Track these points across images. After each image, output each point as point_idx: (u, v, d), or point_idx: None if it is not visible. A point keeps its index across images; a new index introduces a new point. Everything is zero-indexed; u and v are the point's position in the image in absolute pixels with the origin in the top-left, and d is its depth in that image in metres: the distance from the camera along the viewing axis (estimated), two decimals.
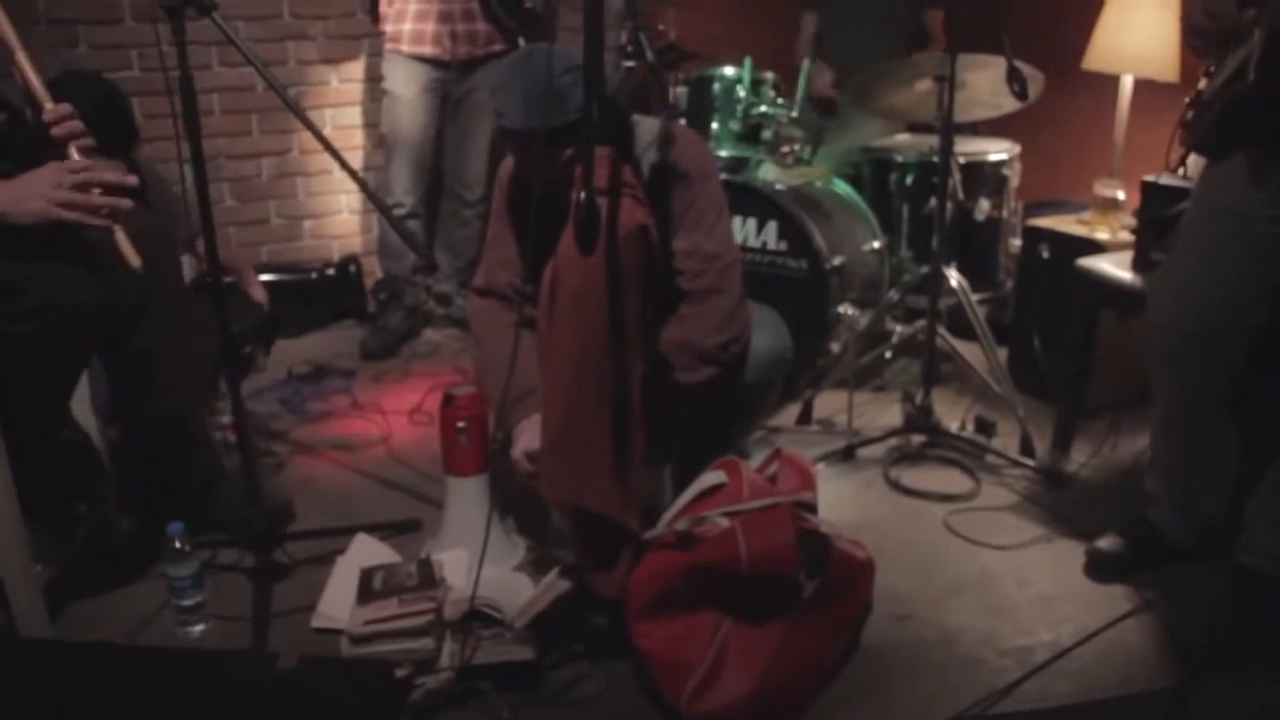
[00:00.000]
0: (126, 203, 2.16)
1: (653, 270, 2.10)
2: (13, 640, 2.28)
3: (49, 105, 2.18)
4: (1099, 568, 2.66)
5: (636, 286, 2.03)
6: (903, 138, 4.13)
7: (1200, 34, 2.30)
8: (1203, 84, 2.39)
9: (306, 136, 4.40)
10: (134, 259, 2.14)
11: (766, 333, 2.66)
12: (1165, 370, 2.56)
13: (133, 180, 2.26)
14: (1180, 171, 2.90)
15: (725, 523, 2.12)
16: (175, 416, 2.66)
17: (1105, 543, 2.68)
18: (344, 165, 2.41)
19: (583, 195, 1.76)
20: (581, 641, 2.26)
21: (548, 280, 2.12)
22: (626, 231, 1.98)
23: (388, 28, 4.02)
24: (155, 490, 2.70)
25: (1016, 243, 3.89)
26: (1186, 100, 2.44)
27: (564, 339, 2.10)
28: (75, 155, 2.18)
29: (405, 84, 4.04)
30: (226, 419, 3.18)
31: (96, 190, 2.15)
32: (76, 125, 2.18)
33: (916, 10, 4.25)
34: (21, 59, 2.16)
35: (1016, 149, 3.90)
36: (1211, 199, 2.44)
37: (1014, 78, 2.94)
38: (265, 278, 4.23)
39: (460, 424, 2.56)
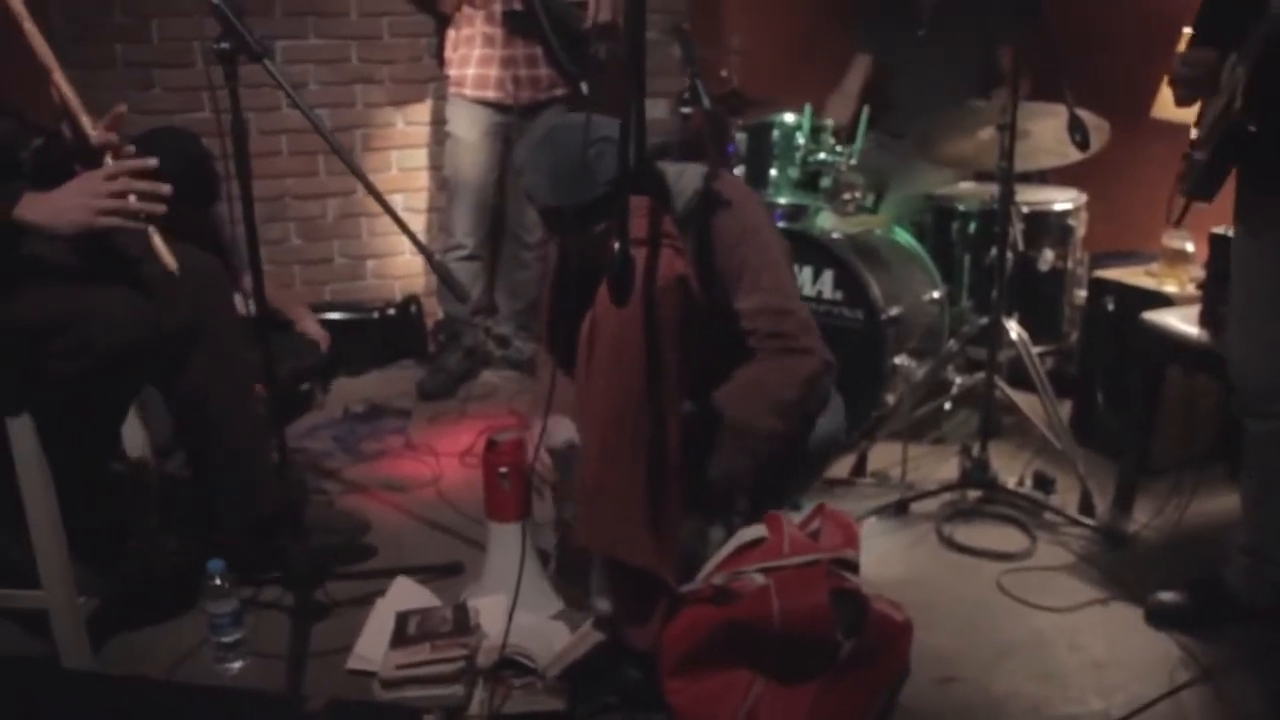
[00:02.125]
0: (161, 206, 2.16)
1: (693, 321, 2.08)
2: (56, 671, 2.31)
3: (85, 121, 2.18)
4: (1159, 619, 2.59)
5: (675, 337, 2.02)
6: (966, 186, 4.07)
7: (1183, 82, 2.37)
8: (1193, 134, 2.42)
9: (374, 178, 4.46)
10: (170, 262, 2.14)
11: (828, 414, 2.63)
12: (1250, 416, 2.50)
13: (153, 162, 2.25)
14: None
15: (761, 579, 2.09)
16: (239, 451, 2.66)
17: (1168, 595, 2.62)
18: (382, 203, 2.45)
19: (617, 246, 1.75)
20: (614, 694, 2.23)
21: (586, 330, 2.11)
22: (665, 282, 1.97)
23: (452, 72, 4.08)
24: (225, 523, 2.71)
25: (1082, 294, 3.81)
26: (1182, 155, 2.45)
27: (601, 390, 2.08)
28: (108, 160, 2.18)
29: (468, 128, 4.08)
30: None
31: (131, 196, 2.16)
32: (114, 138, 2.19)
33: (992, 46, 4.20)
34: (59, 78, 2.18)
35: (1083, 199, 3.82)
36: (1242, 243, 2.43)
37: (1075, 127, 2.89)
38: (328, 316, 4.29)
39: (502, 469, 2.55)
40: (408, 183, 4.58)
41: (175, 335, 2.42)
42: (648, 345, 1.97)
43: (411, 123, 4.55)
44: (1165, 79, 3.45)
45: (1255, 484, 2.57)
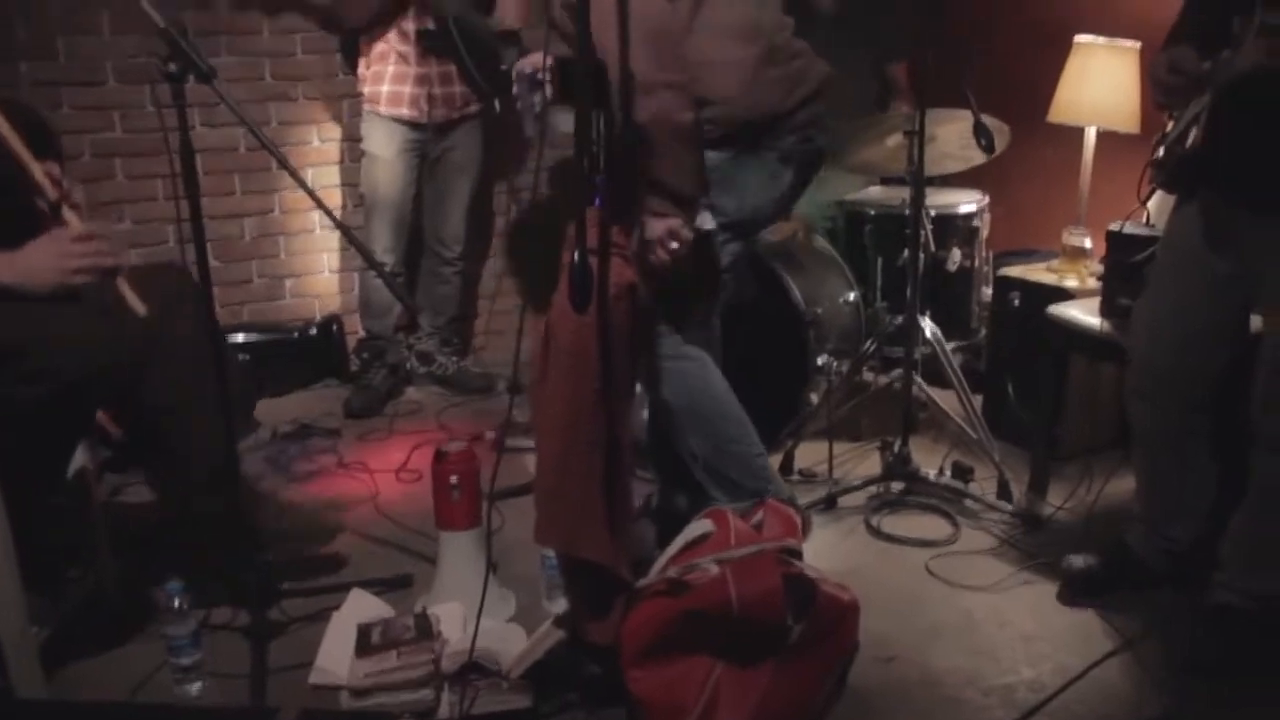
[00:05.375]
0: (127, 256, 2.22)
1: (640, 325, 2.17)
2: (10, 702, 2.30)
3: (37, 169, 2.21)
4: (1072, 584, 2.77)
5: (626, 341, 2.10)
6: (875, 190, 4.22)
7: (1168, 90, 2.41)
8: (1169, 125, 2.52)
9: (289, 196, 4.48)
10: (139, 307, 2.19)
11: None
12: (1140, 404, 2.68)
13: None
14: (1144, 218, 3.03)
15: (715, 569, 2.18)
16: (212, 462, 2.65)
17: (1079, 559, 2.80)
18: (344, 231, 2.50)
19: (576, 256, 1.83)
20: (576, 689, 2.30)
21: (542, 334, 2.19)
22: (617, 290, 2.05)
23: (366, 89, 4.10)
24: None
25: (988, 291, 3.99)
26: (1155, 139, 2.58)
27: (558, 392, 2.16)
28: (72, 219, 2.23)
29: (383, 144, 4.11)
30: None
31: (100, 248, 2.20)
32: (66, 188, 2.22)
33: (881, 63, 4.37)
34: (5, 130, 2.20)
35: (986, 200, 4.01)
36: (1177, 242, 2.57)
37: (980, 133, 3.05)
38: (246, 338, 4.29)
39: (453, 479, 2.61)
40: (323, 200, 4.57)
41: (135, 355, 2.43)
42: (602, 351, 2.05)
43: (326, 140, 4.55)
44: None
45: (1142, 461, 2.77)
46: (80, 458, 2.57)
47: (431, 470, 2.65)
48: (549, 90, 2.59)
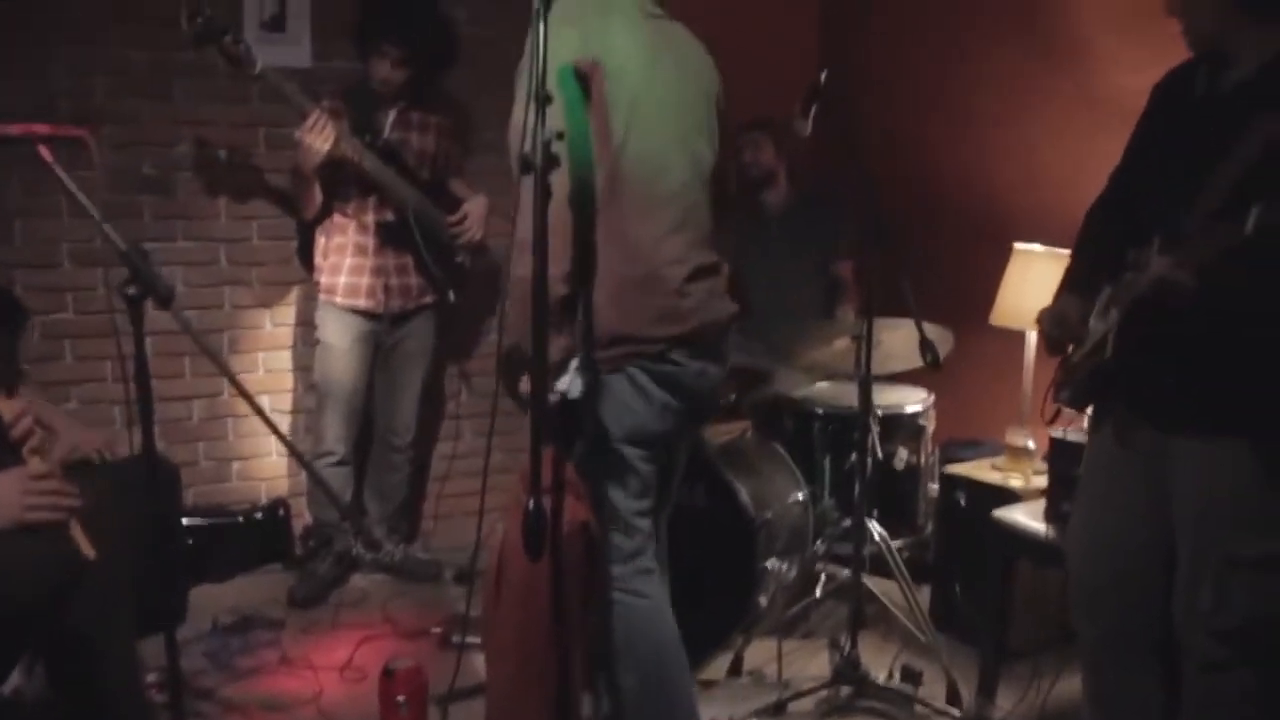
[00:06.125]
0: (79, 499, 2.23)
1: (593, 559, 2.18)
2: None
3: (4, 405, 2.24)
4: None
5: (578, 578, 2.11)
6: (822, 386, 4.29)
7: (1052, 343, 2.61)
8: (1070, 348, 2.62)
9: (240, 379, 4.46)
10: (89, 551, 2.20)
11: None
12: (1084, 619, 2.67)
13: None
14: (1085, 424, 3.09)
15: None
16: (124, 688, 2.61)
17: None
18: (279, 435, 2.49)
19: (531, 503, 1.84)
20: None
21: (493, 563, 2.19)
22: (570, 529, 2.07)
23: (322, 279, 4.14)
24: None
25: (934, 487, 4.04)
26: (1058, 364, 2.65)
27: (509, 625, 2.17)
28: (34, 461, 2.25)
29: (339, 335, 4.14)
30: (153, 677, 3.13)
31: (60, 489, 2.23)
32: (29, 425, 2.24)
33: (827, 262, 4.50)
34: None
35: (931, 399, 4.09)
36: (1097, 461, 2.61)
37: (926, 348, 3.12)
38: (190, 521, 4.23)
39: (400, 698, 2.57)
40: (274, 384, 4.58)
41: (68, 582, 2.40)
42: (553, 590, 2.05)
43: (279, 324, 4.57)
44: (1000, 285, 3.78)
45: (1089, 676, 2.72)
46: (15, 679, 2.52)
47: (379, 687, 2.62)
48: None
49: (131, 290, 2.29)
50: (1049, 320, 2.59)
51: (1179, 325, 2.25)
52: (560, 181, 2.07)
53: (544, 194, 1.95)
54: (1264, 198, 1.94)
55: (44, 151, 2.20)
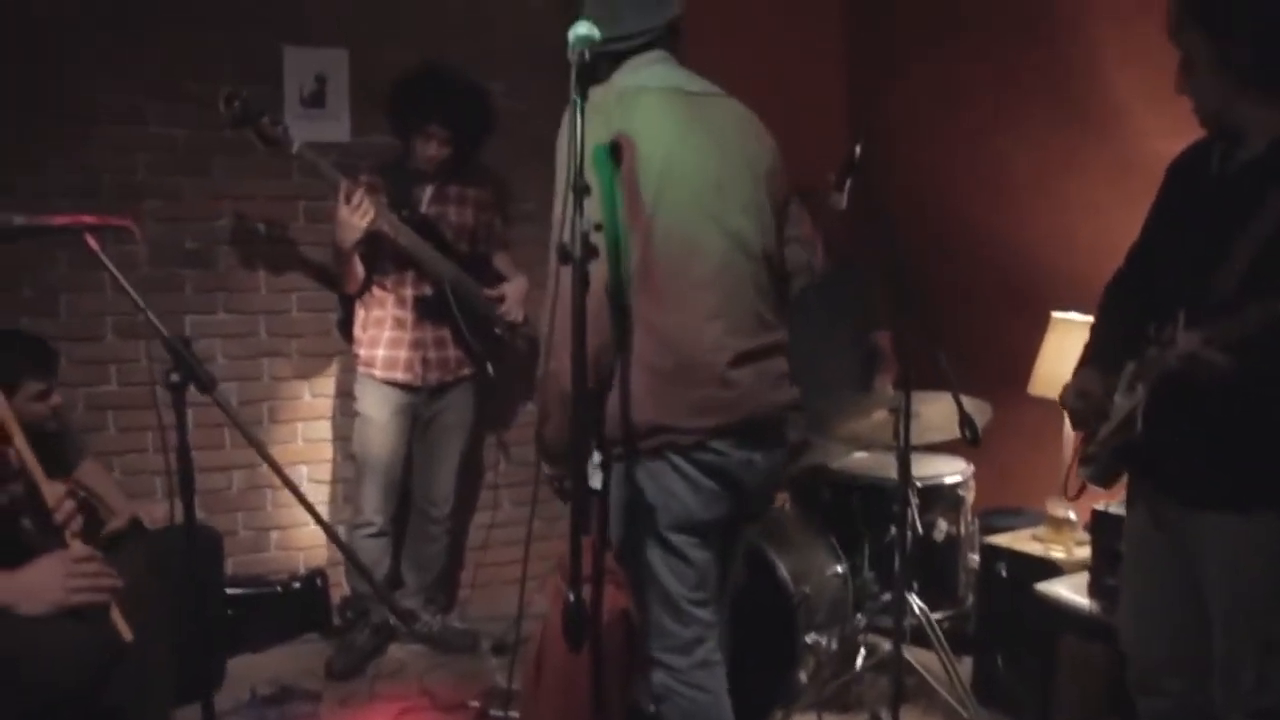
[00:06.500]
0: (119, 581, 2.25)
1: (633, 646, 2.17)
2: None
3: (49, 490, 2.27)
4: None
5: (619, 668, 2.10)
6: (860, 456, 4.26)
7: (1076, 416, 2.60)
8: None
9: (279, 449, 4.50)
10: (127, 633, 2.22)
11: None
12: (1144, 699, 2.62)
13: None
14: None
15: None
16: None
17: None
18: (313, 514, 2.49)
19: (571, 596, 1.84)
20: None
21: (534, 650, 2.19)
22: (610, 618, 2.06)
23: (362, 352, 4.19)
24: None
25: (974, 557, 3.99)
26: (1083, 438, 2.64)
27: (550, 705, 2.15)
28: (75, 544, 2.27)
29: (377, 407, 4.17)
30: None
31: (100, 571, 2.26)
32: (71, 509, 2.28)
33: (864, 332, 4.49)
34: (20, 444, 2.27)
35: (971, 469, 4.05)
36: (1134, 537, 2.60)
37: (966, 424, 3.10)
38: (230, 591, 4.25)
39: None
40: (313, 454, 4.62)
41: (108, 664, 2.43)
42: (594, 680, 2.04)
43: (318, 395, 4.62)
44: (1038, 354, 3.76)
45: None
46: None
47: None
48: None
49: (175, 378, 2.34)
50: (1072, 395, 2.59)
51: (1207, 400, 2.24)
52: (598, 272, 2.08)
53: (582, 284, 1.96)
54: None
55: (90, 241, 2.24)
